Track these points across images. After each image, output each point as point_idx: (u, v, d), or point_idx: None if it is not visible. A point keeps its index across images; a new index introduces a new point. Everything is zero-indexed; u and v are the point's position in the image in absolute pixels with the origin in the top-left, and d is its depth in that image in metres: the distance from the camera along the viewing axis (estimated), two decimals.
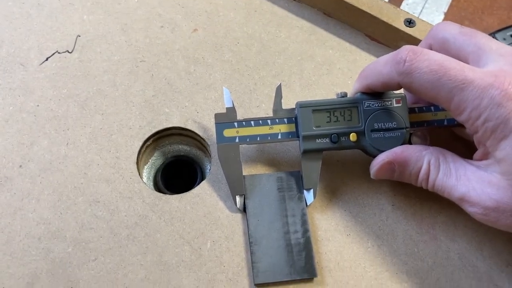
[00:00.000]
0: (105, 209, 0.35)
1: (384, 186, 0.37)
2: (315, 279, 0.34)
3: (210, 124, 0.38)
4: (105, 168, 0.36)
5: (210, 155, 0.38)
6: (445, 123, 0.36)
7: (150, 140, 0.38)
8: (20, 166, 0.36)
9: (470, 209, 0.32)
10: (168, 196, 0.36)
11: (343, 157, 0.38)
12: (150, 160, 0.39)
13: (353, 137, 0.35)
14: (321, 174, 0.36)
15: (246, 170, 0.37)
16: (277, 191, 0.36)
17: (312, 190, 0.36)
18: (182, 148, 0.40)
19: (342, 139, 0.35)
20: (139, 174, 0.36)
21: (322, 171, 0.36)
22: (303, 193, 0.36)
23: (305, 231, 0.35)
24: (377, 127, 0.35)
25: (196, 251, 0.34)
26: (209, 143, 0.38)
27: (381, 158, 0.34)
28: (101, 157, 0.36)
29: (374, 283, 0.34)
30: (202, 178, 0.38)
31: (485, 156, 0.32)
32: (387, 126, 0.35)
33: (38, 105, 0.38)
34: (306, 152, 0.35)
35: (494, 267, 0.35)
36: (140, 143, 0.37)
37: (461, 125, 0.34)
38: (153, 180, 0.39)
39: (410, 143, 0.36)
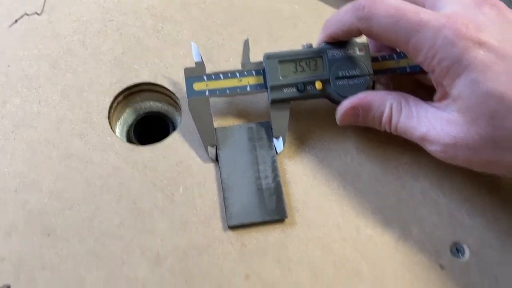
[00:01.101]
0: (79, 161, 0.36)
1: (349, 131, 0.39)
2: (286, 220, 0.35)
3: (180, 79, 0.39)
4: (78, 123, 0.37)
5: (180, 109, 0.39)
6: (408, 70, 0.37)
7: (121, 97, 0.39)
8: None
9: (430, 148, 0.34)
10: (140, 147, 0.37)
11: (310, 107, 0.39)
12: (122, 117, 0.40)
13: (318, 85, 0.36)
14: (290, 123, 0.38)
15: (218, 123, 0.38)
16: (248, 141, 0.37)
17: (281, 138, 0.37)
18: (153, 104, 0.41)
19: (308, 88, 0.36)
20: (111, 129, 0.37)
21: (291, 120, 0.38)
22: (273, 141, 0.37)
23: (275, 176, 0.36)
24: (341, 75, 0.36)
25: (169, 197, 0.35)
26: (179, 97, 0.39)
27: (346, 104, 0.36)
28: (73, 113, 0.37)
29: (341, 220, 0.36)
30: None
31: (444, 97, 0.34)
32: (351, 73, 0.36)
33: (9, 65, 0.39)
34: (274, 102, 0.36)
35: (454, 203, 0.37)
36: (111, 99, 0.38)
37: (422, 72, 0.35)
38: (126, 137, 0.40)
39: (374, 90, 0.38)
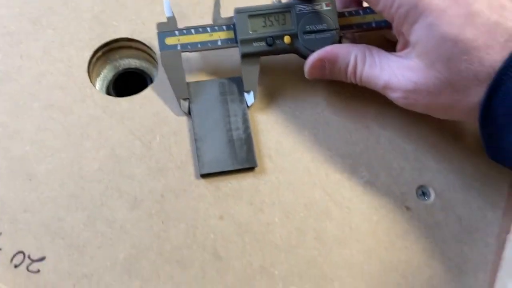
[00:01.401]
0: (59, 112, 0.37)
1: (318, 85, 0.40)
2: (256, 168, 0.37)
3: (155, 34, 0.41)
4: (58, 77, 0.39)
5: (157, 64, 0.40)
6: (374, 25, 0.39)
7: (100, 52, 0.40)
8: None
9: (392, 95, 0.35)
10: (118, 98, 0.38)
11: (282, 62, 0.41)
12: (102, 73, 0.42)
13: (287, 39, 0.38)
14: (261, 79, 0.39)
15: (191, 78, 0.39)
16: (219, 95, 0.39)
17: (252, 92, 0.38)
18: (132, 61, 0.43)
19: (277, 42, 0.38)
20: (91, 82, 0.39)
21: (262, 76, 0.39)
22: (244, 95, 0.38)
23: (246, 128, 0.37)
24: (309, 29, 0.38)
25: (146, 145, 0.37)
26: (155, 52, 0.40)
27: (313, 57, 0.37)
28: (54, 67, 0.39)
29: (311, 165, 0.37)
30: None
31: (405, 45, 0.35)
32: (318, 28, 0.38)
33: None
34: (244, 56, 0.38)
35: (420, 148, 0.38)
36: (90, 53, 0.40)
37: (388, 27, 0.37)
38: (105, 92, 0.41)
39: (340, 43, 0.39)
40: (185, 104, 0.38)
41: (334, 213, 0.36)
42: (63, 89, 0.38)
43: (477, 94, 0.31)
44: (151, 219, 0.35)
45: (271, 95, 0.40)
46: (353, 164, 0.38)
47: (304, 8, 0.38)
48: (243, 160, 0.36)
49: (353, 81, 0.37)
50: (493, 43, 0.30)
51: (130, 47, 0.42)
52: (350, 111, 0.39)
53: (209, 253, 0.34)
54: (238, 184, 0.36)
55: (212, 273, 0.34)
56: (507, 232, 0.36)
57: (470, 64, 0.31)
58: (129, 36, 0.41)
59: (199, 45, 0.38)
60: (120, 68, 0.42)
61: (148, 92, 0.39)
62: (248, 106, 0.38)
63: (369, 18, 0.39)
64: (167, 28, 0.38)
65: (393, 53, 0.36)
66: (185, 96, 0.38)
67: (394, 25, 0.35)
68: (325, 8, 0.38)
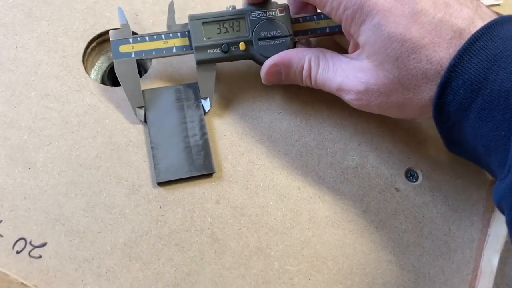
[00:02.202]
0: (56, 101, 0.38)
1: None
2: (214, 174, 0.37)
3: (149, 24, 0.42)
4: (54, 67, 0.39)
5: None
6: (327, 30, 0.39)
7: (95, 43, 0.41)
8: None
9: (346, 97, 0.36)
10: (114, 88, 0.39)
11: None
12: (96, 64, 0.42)
13: (242, 46, 0.38)
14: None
15: (147, 86, 0.39)
16: (175, 101, 0.38)
17: (208, 98, 0.38)
18: None
19: (232, 48, 0.38)
20: (86, 72, 0.39)
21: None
22: (200, 101, 0.38)
23: (203, 134, 0.37)
24: (263, 35, 0.38)
25: (143, 133, 0.38)
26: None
27: (268, 62, 0.38)
28: (49, 57, 0.39)
29: (303, 150, 0.39)
30: None
31: (355, 47, 0.36)
32: (272, 34, 0.38)
33: None
34: (200, 63, 0.38)
35: (408, 132, 0.40)
36: (85, 44, 0.40)
37: (341, 32, 0.37)
38: (100, 82, 0.42)
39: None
40: (141, 112, 0.37)
41: (326, 195, 0.37)
42: (59, 79, 0.39)
43: (428, 92, 0.32)
44: (150, 204, 0.36)
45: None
46: (344, 148, 0.39)
47: (258, 15, 0.38)
48: (200, 167, 0.36)
49: (309, 85, 0.38)
50: (439, 40, 0.31)
51: None
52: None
53: (206, 235, 0.35)
54: (233, 169, 0.37)
55: (210, 255, 0.35)
56: (491, 211, 0.38)
57: (418, 63, 0.31)
58: None
59: (153, 53, 0.37)
60: None
61: (142, 81, 0.40)
62: (205, 112, 0.38)
63: (323, 23, 0.39)
64: (121, 36, 0.37)
65: (346, 55, 0.36)
66: (140, 104, 0.37)
67: (342, 26, 0.35)
68: (278, 14, 0.38)
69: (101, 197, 0.35)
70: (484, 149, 0.31)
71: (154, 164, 0.36)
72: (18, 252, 0.33)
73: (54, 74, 0.39)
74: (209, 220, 0.36)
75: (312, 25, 0.39)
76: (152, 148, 0.36)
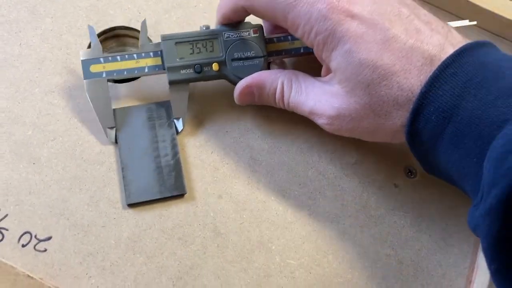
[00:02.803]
0: (60, 98, 0.38)
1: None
2: (185, 195, 0.36)
3: (152, 22, 0.42)
4: (58, 63, 0.40)
5: None
6: (302, 50, 0.39)
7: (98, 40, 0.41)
8: None
9: (318, 121, 0.36)
10: (117, 84, 0.40)
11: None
12: None
13: (215, 66, 0.37)
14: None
15: (118, 105, 0.38)
16: (147, 120, 0.38)
17: (181, 118, 0.38)
18: (128, 50, 0.44)
19: (206, 69, 0.37)
20: None
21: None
22: (173, 120, 0.38)
23: (175, 153, 0.37)
24: (237, 56, 0.38)
25: None
26: (151, 40, 0.42)
27: (241, 83, 0.37)
28: (53, 54, 0.40)
29: (304, 146, 0.39)
30: None
31: (328, 71, 0.36)
32: (246, 55, 0.38)
33: None
34: (172, 83, 0.37)
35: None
36: (89, 41, 0.41)
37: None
38: None
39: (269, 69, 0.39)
40: (112, 133, 0.37)
41: (327, 191, 0.38)
42: (63, 75, 0.39)
43: (399, 118, 0.32)
44: (154, 203, 0.36)
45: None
46: (343, 145, 0.40)
47: (231, 35, 0.38)
48: (172, 187, 0.36)
49: (282, 107, 0.38)
50: (410, 67, 0.31)
51: (126, 36, 0.43)
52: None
53: (209, 230, 0.36)
54: (235, 165, 0.38)
55: (213, 249, 0.35)
56: None
57: (389, 89, 0.32)
58: (126, 25, 0.42)
59: (125, 72, 0.37)
60: None
61: (146, 79, 0.40)
62: (178, 133, 0.38)
63: (297, 43, 0.39)
64: (91, 55, 0.37)
65: (319, 78, 0.37)
66: (111, 125, 0.37)
67: (314, 51, 0.35)
68: (252, 35, 0.38)
69: (105, 192, 0.36)
70: (457, 175, 0.31)
71: (124, 186, 0.35)
72: (23, 246, 0.34)
73: (58, 70, 0.39)
74: (212, 214, 0.36)
75: (286, 45, 0.39)
76: (122, 169, 0.36)
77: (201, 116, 0.39)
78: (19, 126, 0.37)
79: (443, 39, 0.32)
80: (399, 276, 0.36)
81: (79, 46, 0.40)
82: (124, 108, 0.38)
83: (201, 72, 0.37)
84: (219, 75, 0.38)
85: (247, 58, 0.38)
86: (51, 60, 0.40)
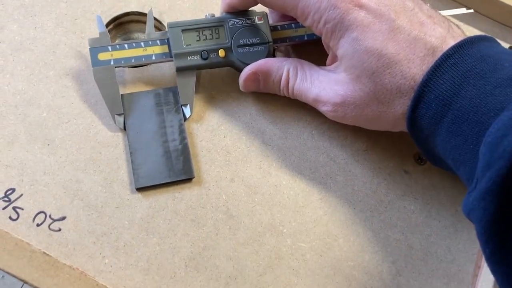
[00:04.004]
0: (74, 81, 0.39)
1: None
2: (193, 179, 0.37)
3: (165, 8, 0.42)
4: (72, 47, 0.40)
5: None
6: (305, 38, 0.40)
7: (112, 25, 0.42)
8: None
9: (322, 108, 0.36)
10: (130, 69, 0.40)
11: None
12: None
13: (221, 53, 0.38)
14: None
15: (126, 91, 0.39)
16: (155, 106, 0.38)
17: (188, 105, 0.38)
18: (141, 35, 0.44)
19: (212, 55, 0.38)
20: None
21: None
22: (180, 105, 0.38)
23: (183, 138, 0.37)
24: (242, 42, 0.38)
25: None
26: (165, 26, 0.42)
27: (247, 69, 0.38)
28: (68, 38, 0.40)
29: (314, 132, 0.40)
30: None
31: (333, 59, 0.36)
32: (251, 41, 0.38)
33: None
34: (179, 70, 0.38)
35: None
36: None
37: (319, 39, 0.37)
38: None
39: (274, 56, 0.40)
40: (120, 119, 0.37)
41: (337, 175, 0.38)
42: (77, 59, 0.40)
43: (401, 106, 0.33)
44: (163, 187, 0.36)
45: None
46: (355, 132, 0.40)
47: (237, 22, 0.39)
48: (180, 172, 0.36)
49: (286, 94, 0.38)
50: (413, 57, 0.32)
51: (139, 21, 0.43)
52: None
53: (221, 212, 0.36)
54: (247, 149, 0.38)
55: (225, 231, 0.36)
56: None
57: (393, 77, 0.33)
58: (140, 10, 0.42)
59: (133, 60, 0.37)
60: None
61: (157, 64, 0.40)
62: (185, 119, 0.38)
63: (301, 31, 0.40)
64: (99, 44, 0.37)
65: (323, 67, 0.37)
66: (119, 111, 0.37)
67: (323, 39, 0.36)
68: (257, 22, 0.39)
69: (118, 174, 0.36)
70: (453, 163, 0.32)
71: (133, 170, 0.36)
72: (38, 225, 0.34)
73: (72, 54, 0.40)
74: (224, 197, 0.37)
75: (290, 32, 0.40)
76: (131, 153, 0.36)
77: (213, 102, 0.40)
78: (34, 108, 0.37)
79: (445, 32, 0.33)
80: (409, 260, 0.36)
81: (93, 30, 0.41)
82: (132, 93, 0.38)
83: (207, 58, 0.38)
84: (225, 62, 0.38)
85: (252, 45, 0.38)
86: (66, 43, 0.40)
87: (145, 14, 0.42)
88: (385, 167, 0.39)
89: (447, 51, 0.32)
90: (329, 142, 0.39)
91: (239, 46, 0.38)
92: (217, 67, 0.39)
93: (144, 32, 0.44)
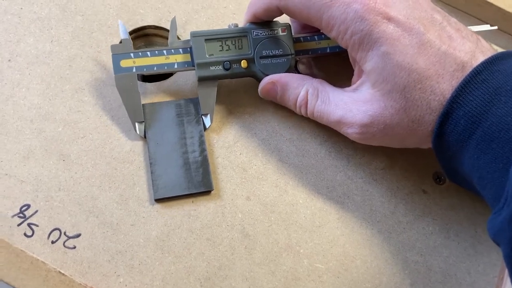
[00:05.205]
0: (90, 95, 0.38)
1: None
2: (213, 192, 0.37)
3: (182, 22, 0.42)
4: (88, 61, 0.40)
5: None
6: (328, 50, 0.40)
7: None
8: (9, 60, 0.39)
9: (348, 130, 0.35)
10: (146, 83, 0.40)
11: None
12: None
13: (244, 64, 0.38)
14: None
15: (148, 101, 0.39)
16: (176, 116, 0.38)
17: (209, 115, 0.38)
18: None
19: (234, 66, 0.38)
20: None
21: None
22: (201, 116, 0.38)
23: (202, 150, 0.37)
24: (265, 54, 0.38)
25: None
26: (181, 39, 0.42)
27: (267, 78, 0.38)
28: (84, 52, 0.40)
29: (332, 149, 0.39)
30: None
31: (360, 75, 0.35)
32: (274, 53, 0.38)
33: (21, 8, 0.41)
34: (201, 80, 0.38)
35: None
36: (119, 40, 0.41)
37: (342, 52, 0.37)
38: None
39: (297, 69, 0.40)
40: (141, 127, 0.37)
41: (355, 195, 0.38)
42: (93, 73, 0.39)
43: (430, 123, 0.32)
44: (180, 199, 0.36)
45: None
46: (373, 151, 0.39)
47: (260, 33, 0.38)
48: (199, 184, 0.36)
49: (304, 115, 0.38)
50: (443, 72, 0.32)
51: (155, 35, 0.43)
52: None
53: (237, 231, 0.36)
54: (263, 166, 0.38)
55: (241, 250, 0.35)
56: None
57: (423, 93, 0.32)
58: (156, 24, 0.42)
59: (155, 68, 0.37)
60: None
61: (174, 78, 0.40)
62: (205, 129, 0.38)
63: (323, 43, 0.40)
64: (122, 50, 0.37)
65: (347, 89, 0.36)
66: (140, 119, 0.37)
67: (349, 51, 0.35)
68: (281, 33, 0.39)
69: (134, 191, 0.36)
70: (480, 181, 0.31)
71: (152, 180, 0.36)
72: (53, 242, 0.34)
73: (89, 68, 0.39)
74: (240, 216, 0.36)
75: (313, 45, 0.39)
76: (150, 163, 0.36)
77: (230, 118, 0.39)
78: (50, 122, 0.37)
79: (473, 46, 0.32)
80: (428, 283, 0.36)
81: (109, 44, 0.40)
82: (153, 103, 0.38)
83: (229, 69, 0.38)
84: (247, 72, 0.38)
85: (275, 56, 0.38)
86: (82, 57, 0.40)
87: (161, 28, 0.42)
88: (403, 186, 0.39)
89: (477, 67, 0.31)
90: (347, 161, 0.39)
91: (262, 57, 0.38)
92: (239, 77, 0.39)
93: (159, 45, 0.44)
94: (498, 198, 0.29)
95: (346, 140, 0.39)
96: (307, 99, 0.37)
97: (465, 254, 0.37)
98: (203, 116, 0.38)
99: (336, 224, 0.37)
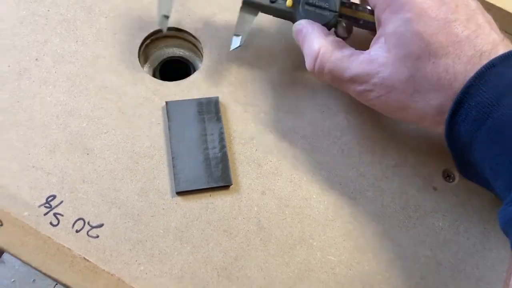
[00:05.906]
0: (113, 93, 0.40)
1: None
2: (231, 186, 0.38)
3: (201, 25, 0.44)
4: (111, 61, 0.41)
5: (202, 55, 0.43)
6: (370, 24, 0.40)
7: (149, 40, 0.43)
8: (36, 59, 0.41)
9: (358, 88, 0.36)
10: (167, 82, 0.41)
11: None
12: (149, 60, 0.45)
13: (289, 2, 0.39)
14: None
15: (169, 99, 0.40)
16: (197, 114, 0.40)
17: (241, 36, 0.40)
18: (176, 50, 0.45)
19: (280, 1, 0.39)
20: (141, 67, 0.42)
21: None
22: (220, 115, 0.40)
23: (222, 147, 0.39)
24: (312, 1, 0.39)
25: None
26: (200, 42, 0.43)
27: (303, 21, 0.39)
28: (107, 52, 0.42)
29: (344, 148, 0.40)
30: None
31: (380, 36, 0.36)
32: (320, 4, 0.39)
33: (48, 10, 0.43)
34: (245, 4, 0.39)
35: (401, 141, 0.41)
36: (140, 41, 0.43)
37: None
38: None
39: (336, 30, 0.40)
40: (165, 21, 0.39)
41: (367, 192, 0.39)
42: (116, 72, 0.41)
43: (434, 100, 0.33)
44: (200, 192, 0.38)
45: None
46: (384, 147, 0.41)
47: None
48: (218, 179, 0.38)
49: (317, 69, 0.37)
50: (461, 54, 0.32)
51: (175, 37, 0.45)
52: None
53: (253, 223, 0.37)
54: (278, 162, 0.39)
55: (256, 242, 0.36)
56: None
57: (436, 68, 0.32)
58: (176, 26, 0.43)
59: None
60: (165, 56, 0.45)
61: (194, 78, 0.42)
62: (232, 48, 0.40)
63: (368, 17, 0.40)
64: None
65: (363, 51, 0.37)
66: (167, 13, 0.39)
67: (376, 11, 0.36)
68: None
69: (154, 184, 0.37)
70: (491, 172, 0.32)
71: (174, 174, 0.37)
72: (77, 231, 0.35)
73: (112, 67, 0.41)
74: (256, 209, 0.37)
75: (360, 14, 0.40)
76: (173, 158, 0.38)
77: (246, 116, 0.41)
78: (75, 118, 0.39)
79: (498, 39, 0.33)
80: (437, 277, 0.37)
81: (131, 45, 0.42)
82: (176, 101, 0.40)
83: (275, 2, 0.39)
84: (288, 13, 0.39)
85: (320, 7, 0.39)
86: (105, 57, 0.41)
87: (181, 30, 0.44)
88: (414, 183, 0.40)
89: (493, 59, 0.31)
90: (359, 158, 0.40)
91: (308, 3, 0.39)
92: (279, 16, 0.39)
93: (179, 48, 0.45)
94: (509, 189, 0.30)
95: (358, 138, 0.40)
96: (325, 53, 0.37)
97: (474, 250, 0.38)
98: (234, 36, 0.40)
99: (348, 218, 0.38)
